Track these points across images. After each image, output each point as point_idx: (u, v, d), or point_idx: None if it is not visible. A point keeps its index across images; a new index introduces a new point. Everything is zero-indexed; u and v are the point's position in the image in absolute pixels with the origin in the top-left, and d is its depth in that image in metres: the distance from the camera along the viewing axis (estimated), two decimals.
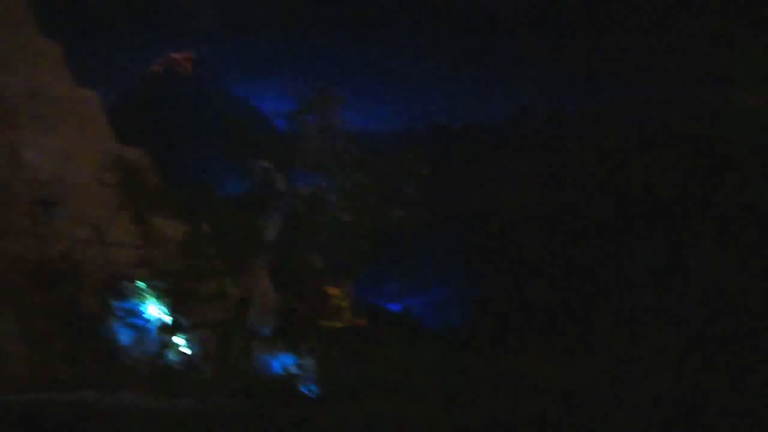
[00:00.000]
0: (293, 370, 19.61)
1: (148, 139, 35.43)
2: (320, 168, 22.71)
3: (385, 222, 21.89)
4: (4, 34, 29.69)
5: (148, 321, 20.08)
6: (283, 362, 19.98)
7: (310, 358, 19.89)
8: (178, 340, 19.98)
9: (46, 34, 31.44)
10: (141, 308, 20.27)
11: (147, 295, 20.45)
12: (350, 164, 22.49)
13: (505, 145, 63.48)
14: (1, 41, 28.98)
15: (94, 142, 26.32)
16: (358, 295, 25.85)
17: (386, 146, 24.92)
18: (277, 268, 23.15)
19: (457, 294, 47.83)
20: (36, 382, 17.34)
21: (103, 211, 23.67)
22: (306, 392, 18.94)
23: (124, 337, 19.79)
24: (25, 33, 30.53)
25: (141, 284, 20.66)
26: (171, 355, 19.74)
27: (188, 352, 19.86)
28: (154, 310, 20.29)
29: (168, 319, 20.21)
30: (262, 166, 22.60)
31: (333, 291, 24.88)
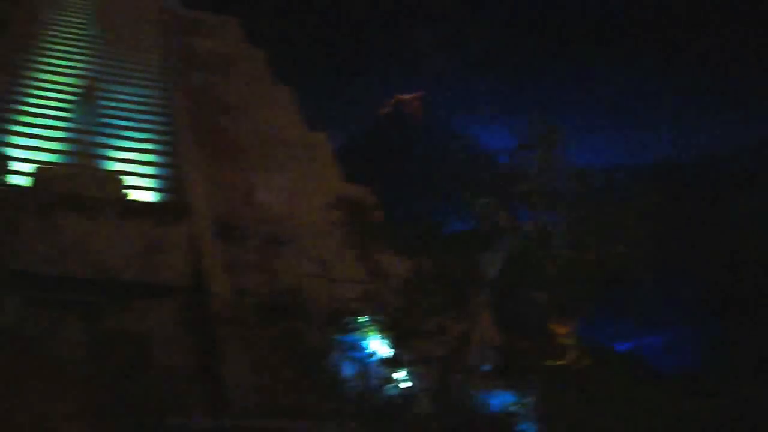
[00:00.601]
0: (513, 408, 19.32)
1: (375, 178, 36.42)
2: (543, 204, 22.48)
3: (610, 259, 21.30)
4: (239, 82, 31.84)
5: (370, 355, 20.44)
6: (502, 400, 19.73)
7: (531, 396, 19.54)
8: (399, 374, 20.18)
9: (278, 80, 33.44)
10: (363, 342, 20.67)
11: (370, 330, 20.84)
12: (573, 200, 22.15)
13: (739, 178, 59.97)
14: (237, 90, 31.08)
15: (322, 181, 27.42)
16: (585, 333, 25.04)
17: (612, 181, 24.24)
18: (499, 304, 23.02)
19: (690, 334, 45.40)
20: (262, 410, 18.02)
21: (329, 247, 24.57)
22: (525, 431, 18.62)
23: (347, 369, 20.24)
24: (259, 81, 32.59)
25: (364, 319, 21.10)
26: (391, 390, 19.96)
27: (408, 386, 20.00)
28: (376, 345, 20.63)
29: (389, 354, 20.48)
30: (484, 202, 22.64)
31: (558, 329, 24.28)
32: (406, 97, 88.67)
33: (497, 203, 22.81)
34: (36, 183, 20.43)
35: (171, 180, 24.83)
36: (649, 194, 22.50)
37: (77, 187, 19.95)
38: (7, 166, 21.38)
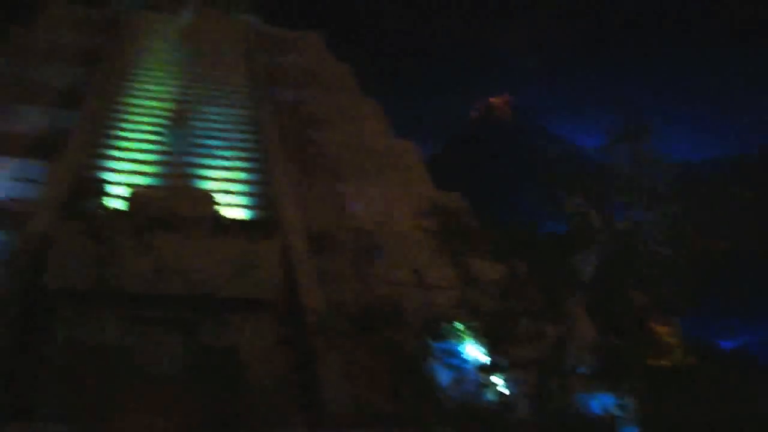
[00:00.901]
0: (614, 410, 18.97)
1: (468, 183, 36.25)
2: (637, 201, 22.08)
3: (708, 254, 20.74)
4: (329, 97, 32.28)
5: (466, 361, 20.38)
6: (602, 402, 19.40)
7: (632, 398, 19.15)
8: (496, 379, 20.06)
9: (366, 92, 33.84)
10: (459, 349, 20.63)
11: (465, 336, 20.78)
12: (667, 196, 21.68)
13: None
14: (324, 103, 31.54)
15: (412, 190, 27.56)
16: (690, 331, 24.49)
17: (710, 175, 23.72)
18: (596, 305, 22.67)
19: None
20: (359, 419, 18.18)
21: (422, 255, 24.62)
22: None
23: (443, 376, 20.22)
24: (345, 93, 33.01)
25: (459, 325, 21.05)
26: (489, 395, 19.85)
27: (506, 392, 19.86)
28: (472, 351, 20.56)
29: (485, 359, 20.38)
30: (576, 202, 22.37)
31: (660, 328, 23.77)
32: (496, 100, 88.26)
33: (590, 202, 22.49)
34: (132, 205, 21.10)
35: (263, 196, 25.30)
36: (749, 185, 21.88)
37: (171, 207, 20.47)
38: (105, 190, 22.14)
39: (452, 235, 24.77)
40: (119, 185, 23.82)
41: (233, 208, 24.14)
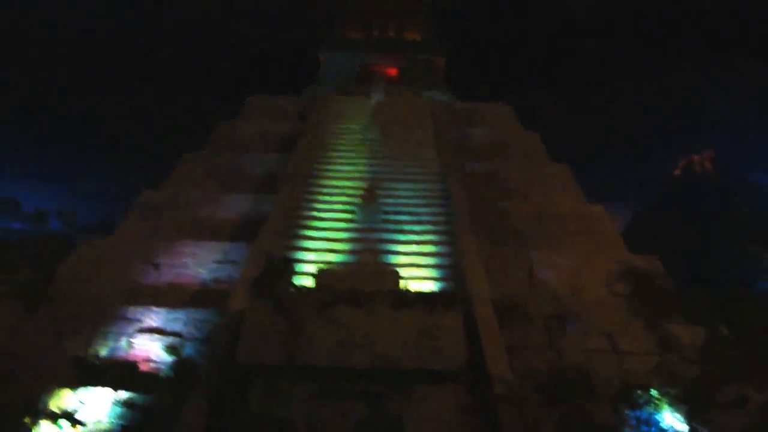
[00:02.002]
0: None
1: (668, 245, 35.10)
2: None
3: None
4: (517, 165, 32.48)
5: (663, 430, 19.66)
6: None
7: None
8: None
9: (554, 158, 33.83)
10: (656, 417, 19.95)
11: (662, 403, 20.10)
12: None
13: None
14: (513, 172, 31.75)
15: (604, 254, 27.06)
16: None
17: None
18: None
19: None
20: None
21: (616, 320, 24.06)
22: None
23: None
24: (536, 161, 33.10)
25: (655, 392, 20.40)
26: None
27: None
28: (670, 419, 19.83)
29: (685, 428, 19.60)
30: None
31: None
32: (697, 157, 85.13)
33: None
34: (319, 281, 21.92)
35: (451, 268, 25.58)
36: None
37: (357, 283, 21.14)
38: (295, 268, 23.13)
39: (647, 298, 24.12)
40: (310, 263, 24.85)
41: (420, 281, 24.53)
